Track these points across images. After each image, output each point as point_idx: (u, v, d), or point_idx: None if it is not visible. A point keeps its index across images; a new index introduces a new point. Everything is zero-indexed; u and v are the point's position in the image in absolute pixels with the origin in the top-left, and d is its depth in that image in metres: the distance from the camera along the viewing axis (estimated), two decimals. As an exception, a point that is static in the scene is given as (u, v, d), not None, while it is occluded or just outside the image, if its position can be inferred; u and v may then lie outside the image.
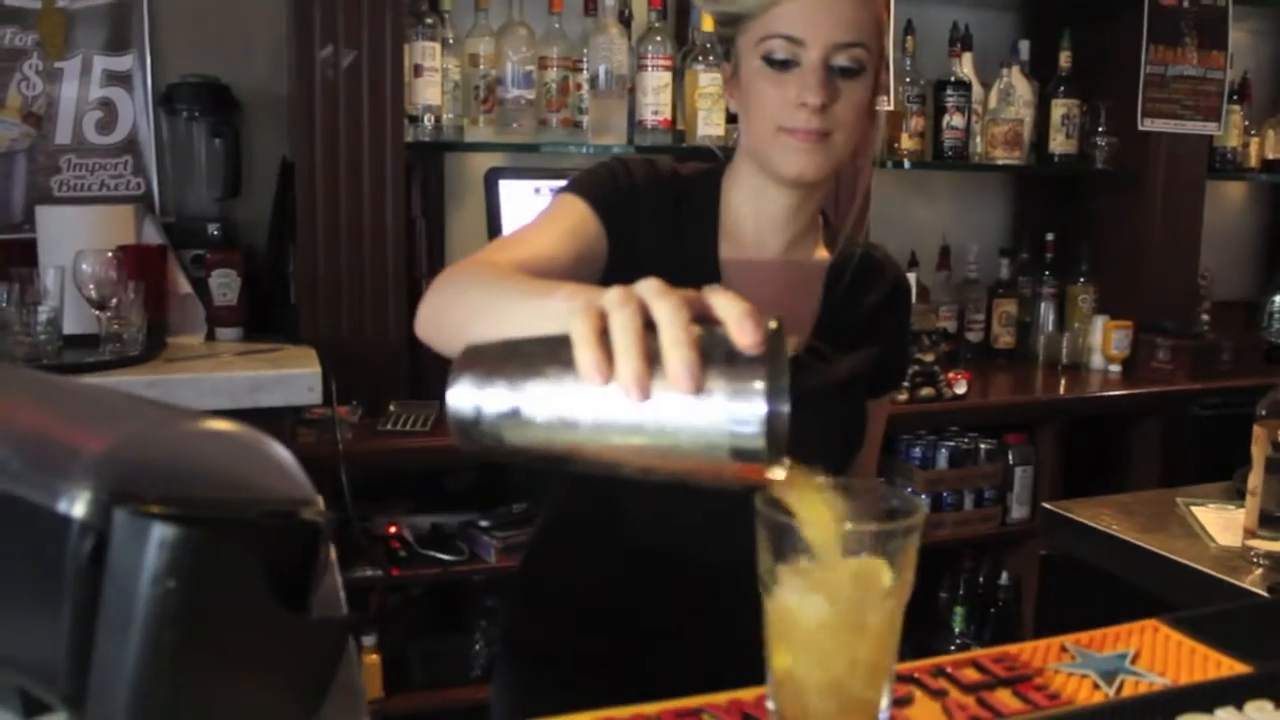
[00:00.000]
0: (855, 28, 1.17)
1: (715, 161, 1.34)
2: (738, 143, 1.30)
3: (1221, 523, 1.70)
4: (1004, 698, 0.79)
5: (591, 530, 1.30)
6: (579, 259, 1.16)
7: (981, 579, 3.05)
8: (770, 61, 1.17)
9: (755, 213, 1.28)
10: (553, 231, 1.18)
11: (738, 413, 0.64)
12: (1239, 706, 0.75)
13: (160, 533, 0.63)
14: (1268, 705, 0.75)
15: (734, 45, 1.24)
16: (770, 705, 0.74)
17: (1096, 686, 0.81)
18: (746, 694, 0.77)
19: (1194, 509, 1.78)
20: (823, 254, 1.35)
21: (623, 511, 1.26)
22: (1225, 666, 0.85)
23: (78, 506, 0.66)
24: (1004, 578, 3.01)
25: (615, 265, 1.20)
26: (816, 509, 0.69)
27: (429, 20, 2.55)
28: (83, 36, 2.58)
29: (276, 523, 0.74)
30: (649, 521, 1.25)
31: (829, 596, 0.69)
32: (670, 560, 1.25)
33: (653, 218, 1.24)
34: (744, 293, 1.18)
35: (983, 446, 2.92)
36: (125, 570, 0.64)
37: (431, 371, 2.52)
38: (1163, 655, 0.87)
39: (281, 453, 0.79)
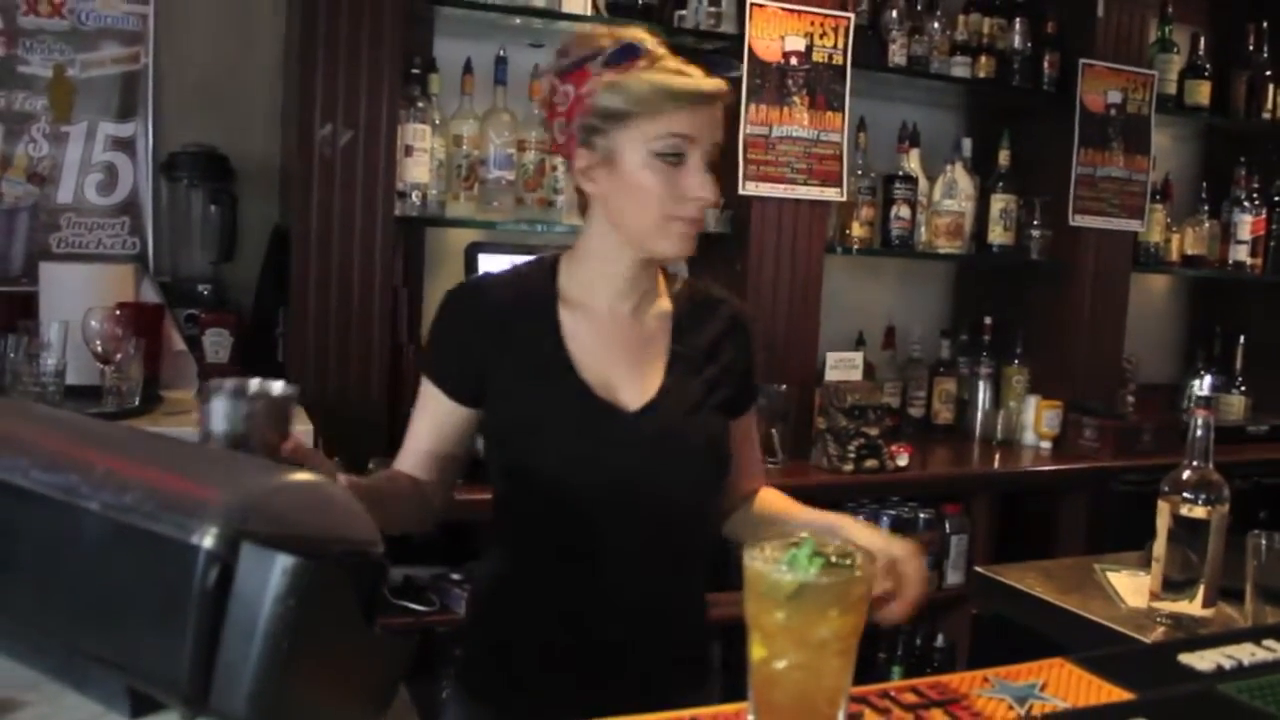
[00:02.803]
0: (721, 130, 1.38)
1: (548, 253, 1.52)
2: (581, 230, 1.47)
3: (1132, 587, 1.89)
4: (936, 715, 0.97)
5: (533, 571, 1.46)
6: (453, 435, 1.46)
7: (918, 640, 3.23)
8: (662, 156, 1.35)
9: (604, 285, 1.45)
10: (422, 424, 1.47)
11: None
12: (1123, 724, 0.94)
13: (283, 562, 0.79)
14: (1145, 723, 0.94)
15: (604, 136, 1.38)
16: (750, 718, 0.92)
17: (1011, 707, 0.99)
18: (729, 708, 0.95)
19: (1109, 574, 1.98)
20: (665, 304, 1.51)
21: (564, 548, 1.42)
22: (1115, 694, 1.03)
23: (208, 539, 0.84)
24: (939, 639, 3.19)
25: (487, 382, 1.43)
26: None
27: (420, 104, 2.73)
28: (90, 103, 2.74)
29: (355, 559, 0.91)
30: (589, 557, 1.41)
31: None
32: (607, 594, 1.40)
33: (489, 334, 1.43)
34: (595, 353, 1.44)
35: (922, 515, 3.10)
36: (251, 590, 0.81)
37: (409, 430, 2.67)
38: (1066, 685, 1.05)
39: (351, 500, 0.97)
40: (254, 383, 1.27)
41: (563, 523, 1.41)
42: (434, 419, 1.47)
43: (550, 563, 1.43)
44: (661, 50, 1.40)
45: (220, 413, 1.11)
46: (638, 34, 1.41)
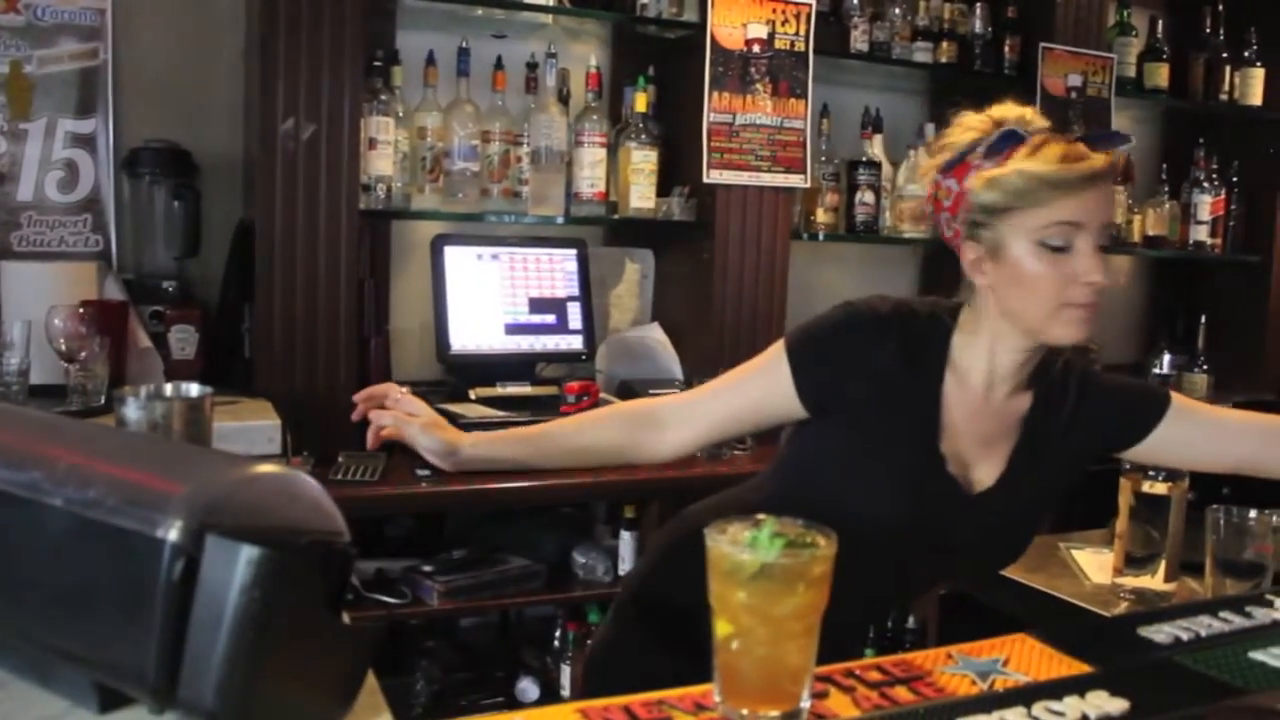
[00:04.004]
0: (1113, 210, 1.38)
1: (941, 304, 1.51)
2: (973, 303, 1.46)
3: (1096, 564, 1.92)
4: (901, 692, 0.99)
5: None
6: (751, 417, 1.50)
7: (890, 623, 3.26)
8: (1049, 246, 1.34)
9: (992, 364, 1.45)
10: (740, 387, 1.51)
11: None
12: (1082, 695, 0.96)
13: (248, 553, 0.80)
14: (1104, 694, 0.96)
15: (989, 229, 1.38)
16: (716, 696, 0.93)
17: (974, 683, 1.01)
18: (697, 689, 0.96)
19: (1073, 551, 2.01)
20: (1027, 397, 1.49)
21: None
22: (1075, 667, 1.05)
23: (173, 533, 0.84)
24: (910, 621, 3.22)
25: (842, 406, 1.44)
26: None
27: (383, 96, 2.73)
28: (48, 100, 2.71)
29: (321, 549, 0.91)
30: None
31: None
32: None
33: (873, 368, 1.42)
34: (959, 427, 1.46)
35: (891, 498, 3.12)
36: (217, 582, 0.81)
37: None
38: (1027, 660, 1.07)
39: (318, 491, 0.97)
40: (169, 387, 1.28)
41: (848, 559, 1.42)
42: (758, 391, 1.48)
43: None
44: (1043, 131, 1.39)
45: (132, 418, 1.13)
46: (1018, 113, 1.41)
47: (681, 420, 1.49)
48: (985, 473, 1.46)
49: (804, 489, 1.48)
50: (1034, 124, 1.41)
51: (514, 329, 2.86)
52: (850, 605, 1.39)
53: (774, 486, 1.56)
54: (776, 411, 1.48)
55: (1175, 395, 1.54)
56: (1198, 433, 1.52)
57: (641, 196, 2.98)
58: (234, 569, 0.79)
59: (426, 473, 2.55)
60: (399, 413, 1.49)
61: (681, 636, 1.45)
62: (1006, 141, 1.37)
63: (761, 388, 1.47)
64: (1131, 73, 3.81)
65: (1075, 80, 3.56)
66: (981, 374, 1.45)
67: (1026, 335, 1.42)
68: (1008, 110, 1.42)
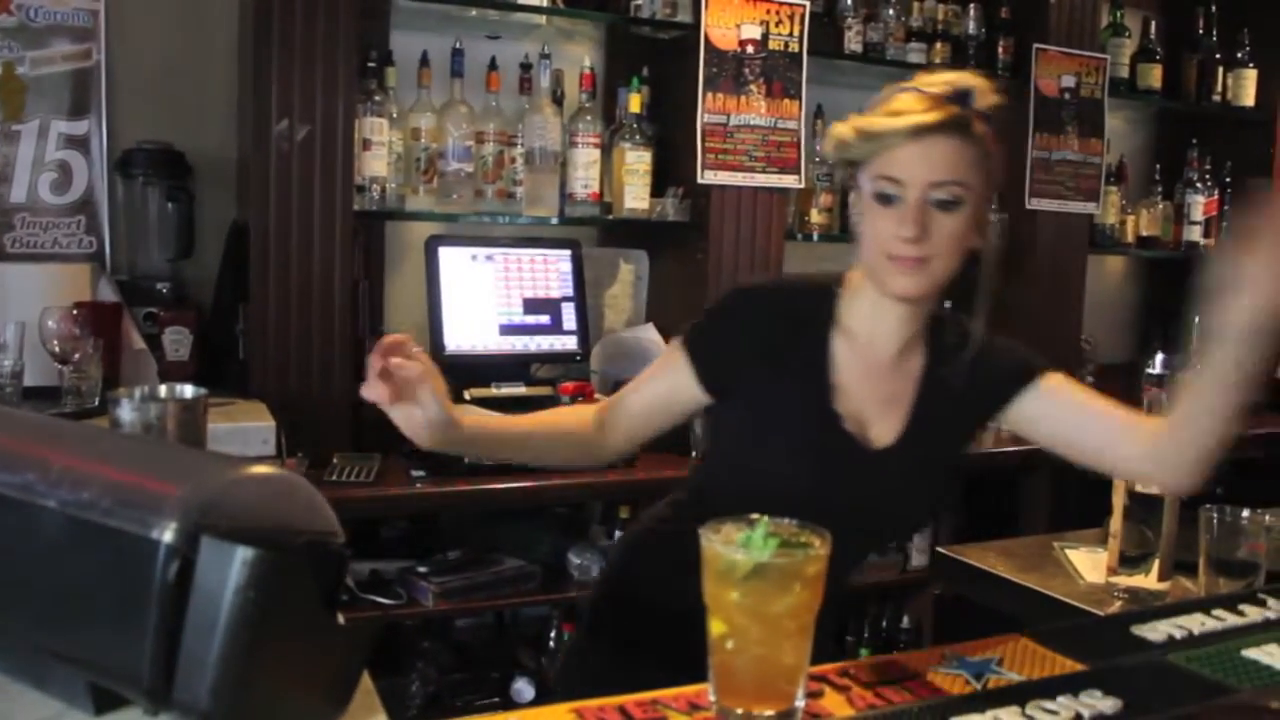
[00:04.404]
0: (951, 169, 1.34)
1: (831, 273, 1.52)
2: (858, 262, 1.45)
3: (1090, 563, 1.93)
4: (895, 692, 0.99)
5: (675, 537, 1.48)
6: (663, 409, 1.50)
7: (884, 623, 3.26)
8: (878, 196, 1.36)
9: (874, 319, 1.46)
10: (649, 385, 1.52)
11: None
12: (1075, 694, 0.96)
13: (243, 554, 0.80)
14: (1097, 692, 0.96)
15: (854, 181, 1.42)
16: (711, 696, 0.93)
17: (968, 682, 1.01)
18: (692, 688, 0.96)
19: (1068, 551, 2.01)
20: (923, 356, 1.50)
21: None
22: (1069, 666, 1.05)
23: (168, 534, 0.84)
24: (905, 621, 3.23)
25: (738, 383, 1.45)
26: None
27: (377, 97, 2.73)
28: (41, 101, 2.71)
29: (316, 549, 0.91)
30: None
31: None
32: None
33: (760, 339, 1.44)
34: (854, 387, 1.45)
35: (885, 498, 3.13)
36: (212, 583, 0.81)
37: (372, 426, 2.67)
38: (1021, 659, 1.07)
39: (312, 492, 0.97)
40: (163, 389, 1.28)
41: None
42: (664, 387, 1.50)
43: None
44: (920, 86, 1.38)
45: (126, 419, 1.13)
46: (951, 78, 1.39)
47: (610, 422, 1.51)
48: (884, 430, 1.46)
49: (724, 472, 1.52)
50: (925, 81, 1.39)
51: (508, 329, 2.86)
52: None
53: (699, 477, 1.59)
54: (687, 402, 1.50)
55: (1055, 373, 1.51)
56: (1058, 411, 1.47)
57: (636, 197, 2.99)
58: (229, 570, 0.79)
59: (421, 474, 2.55)
60: (429, 365, 1.31)
61: (646, 637, 1.46)
62: (883, 99, 1.39)
63: (667, 383, 1.50)
64: (1125, 73, 3.81)
65: (1069, 81, 3.56)
66: (866, 332, 1.46)
67: (876, 288, 1.42)
68: (950, 76, 1.40)
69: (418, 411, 1.24)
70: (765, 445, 1.45)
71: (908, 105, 1.36)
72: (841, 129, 1.39)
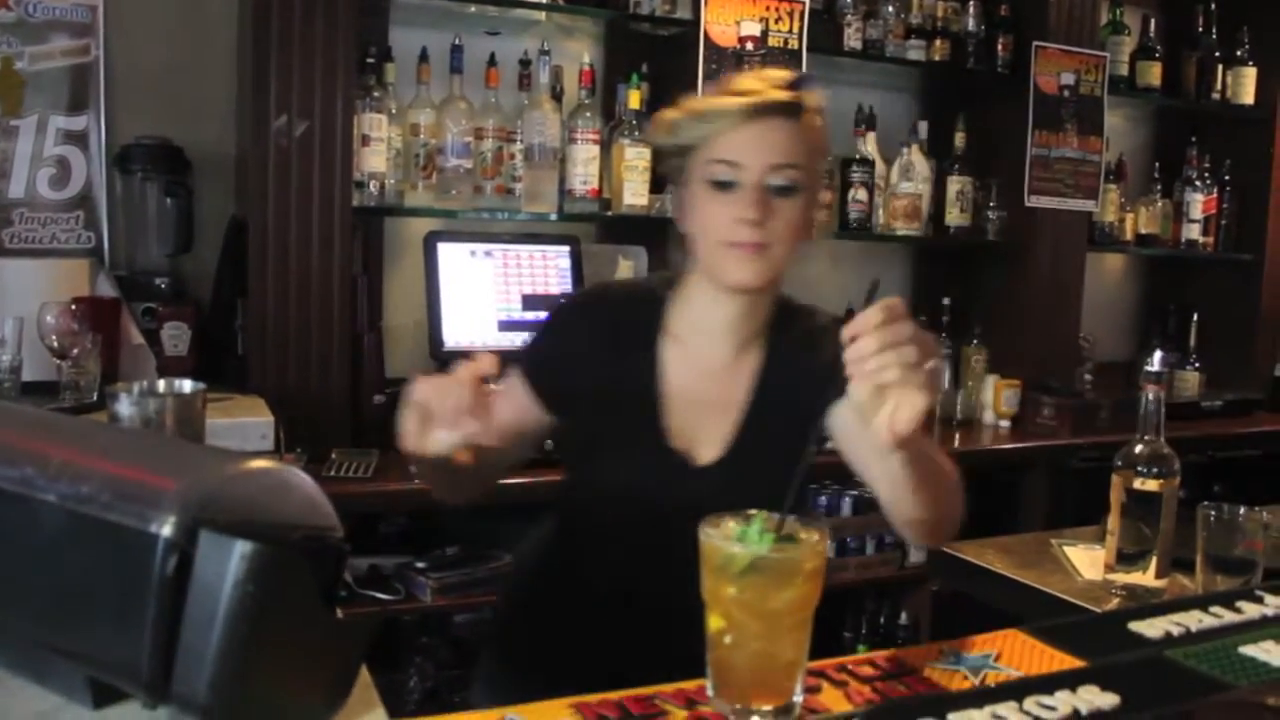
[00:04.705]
0: (787, 152, 1.31)
1: (662, 275, 1.49)
2: (688, 261, 1.42)
3: (1088, 560, 1.93)
4: (893, 687, 0.99)
5: (581, 560, 1.47)
6: (519, 432, 1.43)
7: (882, 619, 3.26)
8: (714, 183, 1.32)
9: (706, 320, 1.41)
10: (499, 410, 1.37)
11: None
12: (1073, 690, 0.96)
13: (242, 548, 0.80)
14: (1095, 688, 0.96)
15: (682, 171, 1.37)
16: (709, 691, 0.94)
17: (966, 678, 1.02)
18: (691, 684, 0.96)
19: (1065, 548, 2.01)
20: (762, 353, 1.45)
21: (586, 556, 1.43)
22: (1067, 662, 1.06)
23: (166, 528, 0.84)
24: (903, 617, 3.23)
25: (574, 397, 1.41)
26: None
27: (376, 93, 2.72)
28: (39, 96, 2.70)
29: (314, 544, 0.91)
30: (612, 564, 1.41)
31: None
32: (629, 600, 1.40)
33: (593, 351, 1.41)
34: (685, 395, 1.40)
35: (884, 495, 3.13)
36: (210, 577, 0.81)
37: (371, 421, 2.67)
38: (1019, 655, 1.07)
39: (311, 486, 0.97)
40: (161, 384, 1.28)
41: (613, 539, 1.41)
42: (510, 412, 1.42)
43: (597, 562, 1.43)
44: (748, 75, 1.36)
45: (125, 414, 1.13)
46: (758, 82, 1.35)
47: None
48: (713, 440, 1.40)
49: (573, 489, 1.49)
50: (752, 75, 1.36)
51: (507, 325, 2.86)
52: (662, 594, 1.33)
53: (561, 489, 1.54)
54: (534, 422, 1.45)
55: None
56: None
57: (635, 193, 2.98)
58: (227, 564, 0.79)
59: (420, 470, 2.55)
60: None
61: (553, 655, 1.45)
62: (710, 89, 1.38)
63: (512, 405, 1.43)
64: (1124, 71, 3.81)
65: (1068, 79, 3.56)
66: (696, 334, 1.42)
67: (714, 281, 1.38)
68: (782, 71, 1.38)
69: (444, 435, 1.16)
70: (598, 465, 1.42)
71: (744, 86, 1.32)
72: (672, 112, 1.35)
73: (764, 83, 1.33)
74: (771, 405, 1.41)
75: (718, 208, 1.32)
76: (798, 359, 1.42)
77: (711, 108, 1.32)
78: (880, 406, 0.99)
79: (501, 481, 2.59)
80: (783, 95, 1.32)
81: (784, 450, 1.30)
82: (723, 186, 1.31)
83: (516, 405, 1.43)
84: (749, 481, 1.34)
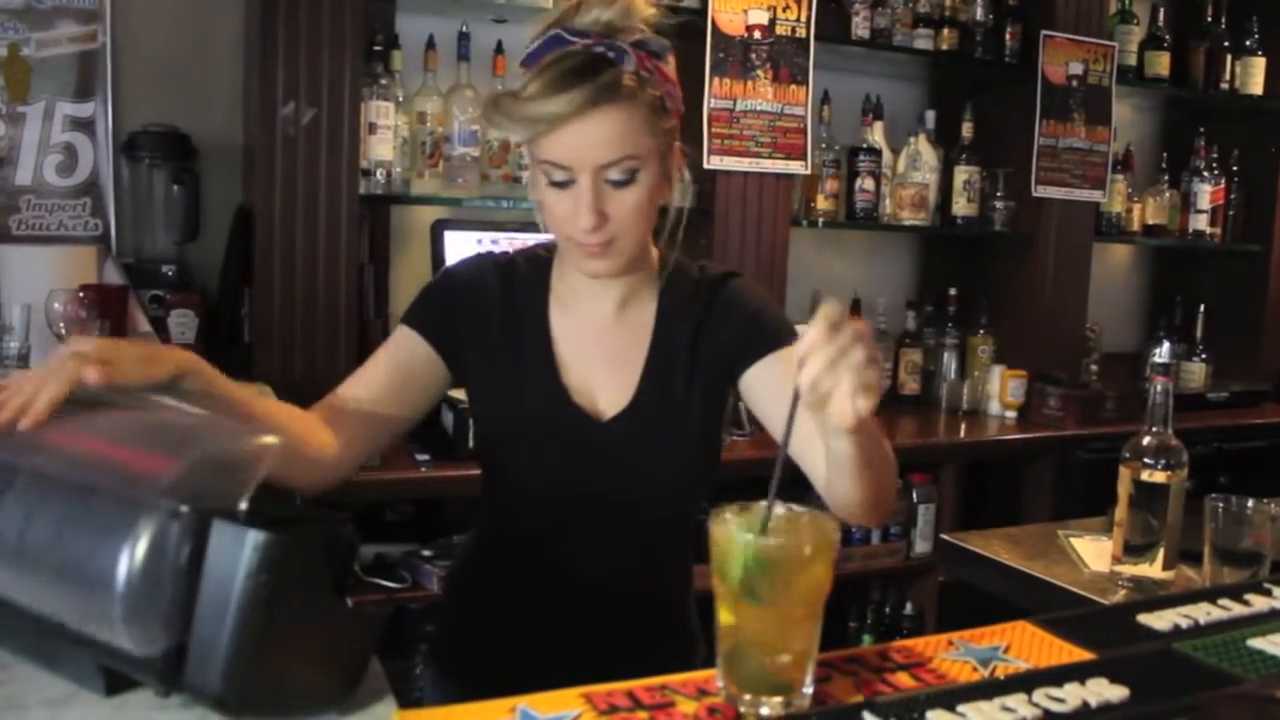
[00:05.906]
0: (617, 145, 1.22)
1: (547, 240, 1.42)
2: None
3: (1095, 551, 1.93)
4: (902, 678, 0.99)
5: (506, 552, 1.46)
6: (403, 384, 1.37)
7: (888, 609, 3.27)
8: (550, 182, 1.26)
9: (585, 286, 1.38)
10: (376, 368, 1.39)
11: None
12: (1082, 682, 0.96)
13: (255, 538, 0.80)
14: (1104, 681, 0.96)
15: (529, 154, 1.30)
16: (719, 681, 0.94)
17: (975, 669, 1.02)
18: (701, 674, 0.96)
19: (1072, 539, 2.01)
20: (652, 304, 1.41)
21: (536, 540, 1.41)
22: (1076, 654, 1.06)
23: (179, 516, 0.83)
24: (908, 608, 3.23)
25: (466, 357, 1.39)
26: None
27: (383, 81, 2.72)
28: (46, 83, 2.70)
29: (326, 534, 0.91)
30: (535, 536, 1.41)
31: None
32: (578, 582, 1.39)
33: (480, 311, 1.38)
34: (579, 355, 1.38)
35: (889, 485, 3.13)
36: (223, 567, 0.81)
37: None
38: (1028, 647, 1.07)
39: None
40: None
41: (534, 517, 1.41)
42: (396, 362, 1.38)
43: (524, 551, 1.42)
44: (565, 33, 1.25)
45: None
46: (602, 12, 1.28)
47: (342, 421, 1.36)
48: (614, 397, 1.37)
49: (488, 472, 1.46)
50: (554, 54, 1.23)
51: (514, 315, 2.86)
52: (589, 555, 1.38)
53: (481, 488, 1.50)
54: (427, 376, 1.38)
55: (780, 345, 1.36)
56: (779, 394, 1.28)
57: (641, 183, 2.97)
58: (240, 554, 0.80)
59: (426, 457, 2.55)
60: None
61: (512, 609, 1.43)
62: (542, 51, 1.24)
63: (398, 358, 1.38)
64: (1132, 61, 3.80)
65: (1076, 68, 3.55)
66: (575, 296, 1.39)
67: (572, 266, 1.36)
68: (601, 18, 1.27)
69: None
70: (506, 430, 1.39)
71: (549, 85, 1.20)
72: (489, 107, 1.25)
73: (569, 70, 1.21)
74: (669, 356, 1.39)
75: (557, 204, 1.27)
76: (690, 311, 1.40)
77: (525, 113, 1.21)
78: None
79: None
80: (590, 89, 1.20)
81: (688, 402, 1.38)
82: (559, 185, 1.25)
83: (404, 356, 1.38)
84: (653, 433, 1.37)
